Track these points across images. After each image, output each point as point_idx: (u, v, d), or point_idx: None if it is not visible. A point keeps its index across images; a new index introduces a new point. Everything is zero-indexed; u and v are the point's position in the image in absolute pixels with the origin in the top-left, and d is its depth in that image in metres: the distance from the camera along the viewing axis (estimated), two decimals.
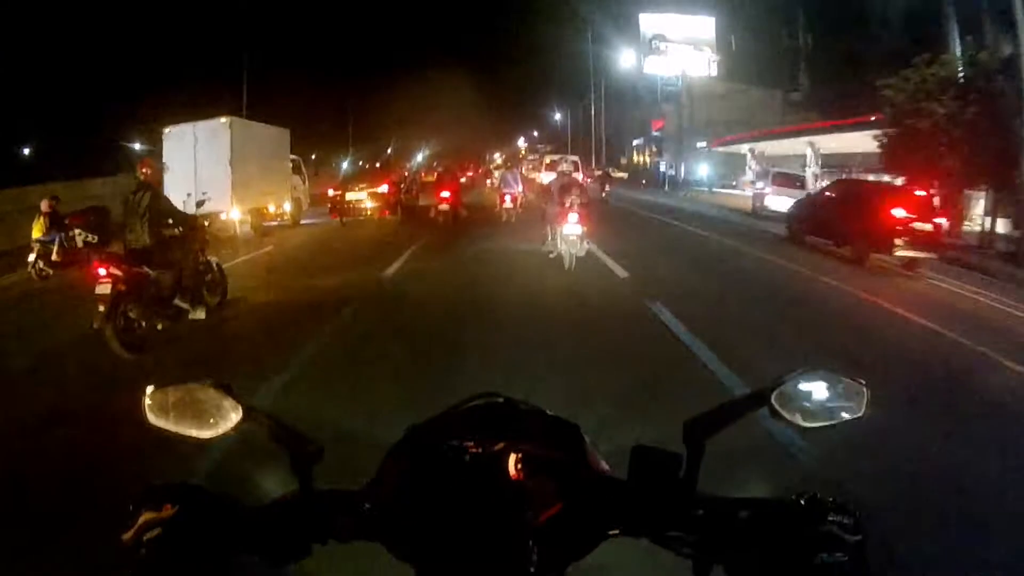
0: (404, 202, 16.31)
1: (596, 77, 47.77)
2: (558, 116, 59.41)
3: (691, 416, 0.67)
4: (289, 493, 0.71)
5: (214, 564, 0.65)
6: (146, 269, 5.51)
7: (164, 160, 12.05)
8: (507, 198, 14.80)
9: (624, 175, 48.72)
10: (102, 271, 5.17)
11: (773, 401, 0.68)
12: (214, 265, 6.46)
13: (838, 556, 0.60)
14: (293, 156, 16.14)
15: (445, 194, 14.49)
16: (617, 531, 0.68)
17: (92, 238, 6.06)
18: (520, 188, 15.29)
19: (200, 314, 5.93)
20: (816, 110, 25.78)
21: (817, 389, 0.71)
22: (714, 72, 36.00)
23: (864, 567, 0.60)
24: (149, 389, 0.71)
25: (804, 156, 22.60)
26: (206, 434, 0.71)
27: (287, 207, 15.11)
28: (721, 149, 32.08)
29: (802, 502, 0.63)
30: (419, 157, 41.38)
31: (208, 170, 12.66)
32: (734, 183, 28.70)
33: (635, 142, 50.83)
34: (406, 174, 19.00)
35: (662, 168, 38.05)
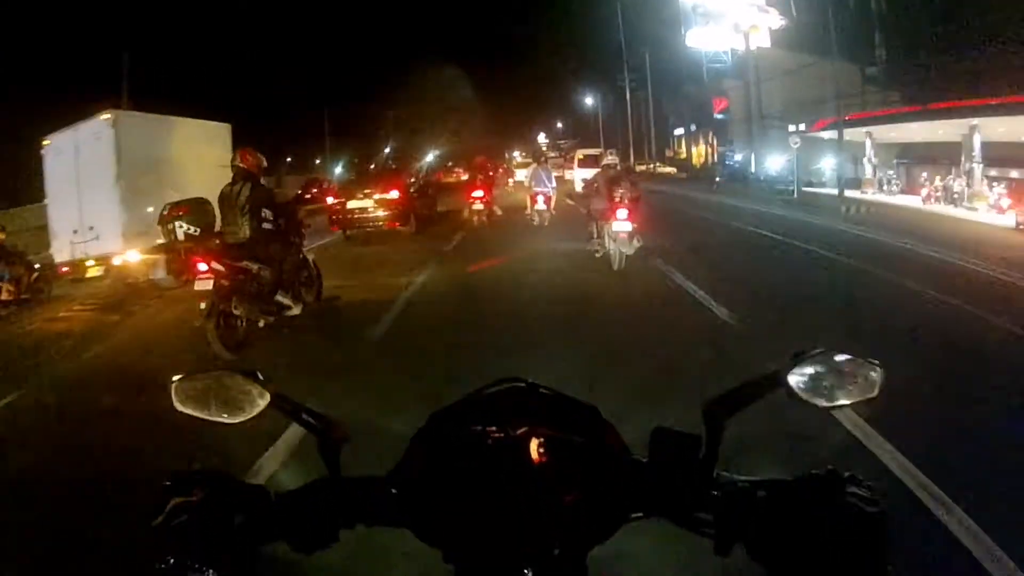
0: (418, 209, 15.95)
1: (630, 56, 47.18)
2: (589, 101, 59.81)
3: (710, 397, 0.78)
4: (316, 479, 0.81)
5: (242, 550, 0.74)
6: (247, 264, 6.00)
7: (46, 184, 10.53)
8: (539, 199, 14.92)
9: (671, 169, 48.33)
10: (202, 266, 5.65)
11: (790, 382, 0.79)
12: (310, 261, 7.14)
13: (857, 528, 0.69)
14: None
15: (478, 193, 15.99)
16: (639, 513, 0.78)
17: (194, 230, 6.55)
18: (554, 187, 15.26)
19: (297, 310, 6.53)
20: (896, 88, 25.53)
21: (833, 369, 0.81)
22: (766, 43, 35.25)
23: (883, 538, 0.69)
24: (175, 378, 0.83)
25: (950, 144, 19.03)
26: (233, 420, 0.82)
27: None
28: (791, 134, 31.11)
29: (819, 480, 0.73)
30: (429, 156, 41.87)
31: (91, 194, 10.02)
32: (823, 180, 25.78)
33: (678, 131, 50.48)
34: (416, 176, 18.49)
35: (732, 158, 35.29)
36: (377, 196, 14.72)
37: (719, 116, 39.51)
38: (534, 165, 16.40)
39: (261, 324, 6.20)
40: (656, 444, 0.81)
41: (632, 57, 47.39)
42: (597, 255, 9.59)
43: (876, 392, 0.82)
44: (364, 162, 40.57)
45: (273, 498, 0.80)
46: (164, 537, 0.73)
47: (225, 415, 0.84)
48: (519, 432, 0.80)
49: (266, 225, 6.26)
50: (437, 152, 48.92)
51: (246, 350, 5.84)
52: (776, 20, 35.15)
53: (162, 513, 0.74)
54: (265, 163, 6.62)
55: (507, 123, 73.07)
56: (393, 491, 0.80)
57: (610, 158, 10.10)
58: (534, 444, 0.79)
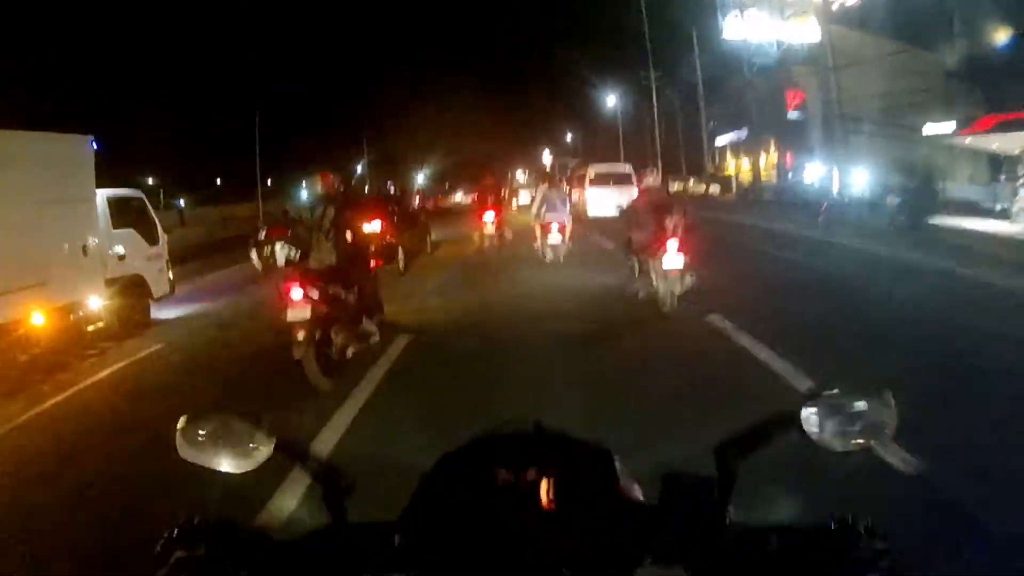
0: (407, 242, 15.65)
1: (658, 53, 46.25)
2: (607, 106, 58.87)
3: (722, 441, 0.89)
4: (321, 526, 0.92)
5: None
6: (337, 290, 6.62)
7: None
8: (552, 228, 14.47)
9: (711, 189, 47.18)
10: (297, 294, 6.12)
11: (804, 424, 0.91)
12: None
13: None
14: (126, 191, 11.20)
15: (490, 216, 16.80)
16: (650, 559, 0.84)
17: (294, 254, 7.03)
18: (568, 213, 14.87)
19: (377, 337, 7.18)
20: (977, 82, 24.93)
21: (847, 411, 0.91)
22: (816, 36, 34.75)
23: None
24: (181, 420, 0.95)
25: None
26: (238, 468, 0.94)
27: (93, 303, 9.43)
28: (862, 139, 29.17)
29: (833, 527, 0.82)
30: (419, 178, 42.10)
31: None
32: (945, 203, 21.91)
33: (721, 141, 49.06)
34: (403, 202, 18.29)
35: (799, 175, 32.70)
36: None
37: (793, 115, 36.17)
38: (544, 187, 15.96)
39: (350, 353, 6.74)
40: (668, 488, 0.91)
41: (660, 53, 46.65)
42: (640, 296, 9.49)
43: (891, 433, 0.93)
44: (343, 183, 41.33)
45: (277, 546, 0.88)
46: None
47: (230, 463, 0.94)
48: (528, 476, 0.90)
49: (349, 250, 6.99)
50: (427, 172, 49.42)
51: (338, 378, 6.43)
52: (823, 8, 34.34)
53: (165, 566, 0.82)
54: (341, 187, 7.40)
55: (509, 138, 73.69)
56: (400, 538, 0.87)
57: (651, 179, 9.86)
58: (544, 487, 0.88)
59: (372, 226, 13.93)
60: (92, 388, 7.49)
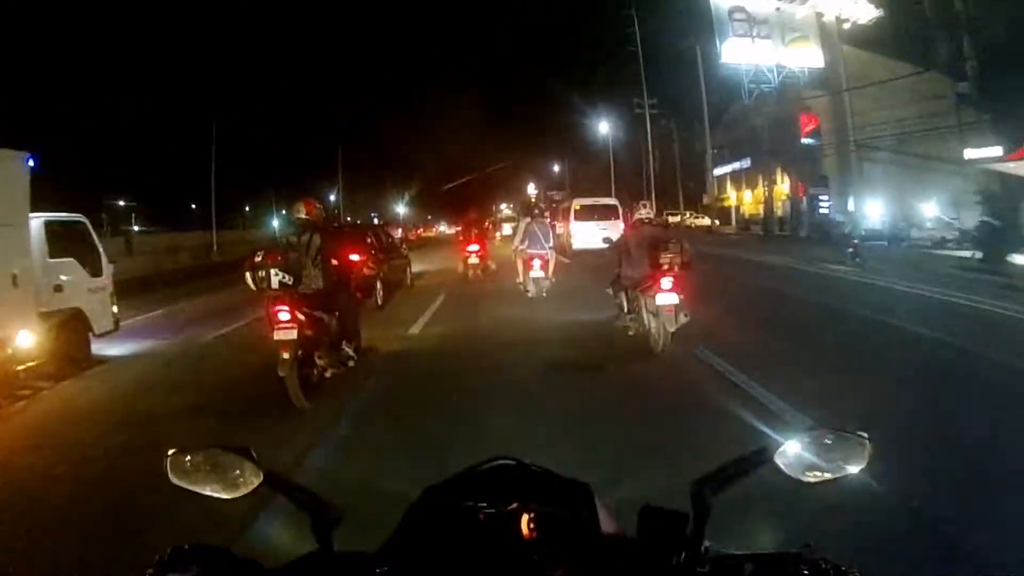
0: (386, 275, 15.53)
1: (652, 80, 46.22)
2: (596, 135, 58.83)
3: (698, 476, 0.96)
4: (308, 553, 0.97)
5: None
6: (321, 314, 7.24)
7: None
8: (535, 264, 14.61)
9: (707, 222, 47.07)
10: (284, 315, 6.74)
11: (776, 459, 0.98)
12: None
13: None
14: (66, 216, 10.56)
15: (474, 247, 18.87)
16: None
17: (288, 279, 7.27)
18: (552, 247, 15.03)
19: (353, 361, 7.93)
20: (989, 107, 24.87)
21: (820, 445, 1.00)
22: (819, 62, 35.40)
23: None
24: (170, 452, 1.03)
25: None
26: (227, 496, 1.02)
27: (24, 339, 8.81)
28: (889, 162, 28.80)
29: (804, 560, 0.89)
30: (399, 209, 42.20)
31: None
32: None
33: (719, 171, 49.04)
34: (383, 233, 18.38)
35: (818, 205, 32.13)
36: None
37: (807, 141, 35.91)
38: (526, 220, 16.00)
39: (329, 374, 7.49)
40: (645, 521, 0.99)
41: (655, 79, 46.56)
42: (630, 333, 9.44)
43: (864, 465, 1.01)
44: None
45: (266, 573, 0.93)
46: None
47: (218, 491, 1.02)
48: (509, 509, 0.98)
49: (333, 276, 7.64)
50: (411, 203, 49.78)
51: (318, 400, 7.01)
52: (867, 10, 33.46)
53: None
54: (324, 213, 8.12)
55: (494, 171, 73.64)
56: (384, 568, 0.92)
57: (644, 211, 9.77)
58: (524, 520, 0.96)
59: (350, 258, 13.81)
60: (20, 432, 7.00)
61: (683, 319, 8.54)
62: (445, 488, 1.07)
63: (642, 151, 48.85)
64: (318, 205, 7.92)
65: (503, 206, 65.85)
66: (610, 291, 10.19)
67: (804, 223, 33.04)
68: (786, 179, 40.27)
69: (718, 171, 48.79)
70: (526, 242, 14.84)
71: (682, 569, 0.91)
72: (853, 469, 1.01)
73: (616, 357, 8.70)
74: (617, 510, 1.16)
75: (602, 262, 20.55)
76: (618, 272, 9.85)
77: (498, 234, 33.42)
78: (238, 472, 1.02)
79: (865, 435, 1.01)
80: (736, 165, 47.01)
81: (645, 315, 8.94)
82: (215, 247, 37.59)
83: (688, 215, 51.33)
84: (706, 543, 0.94)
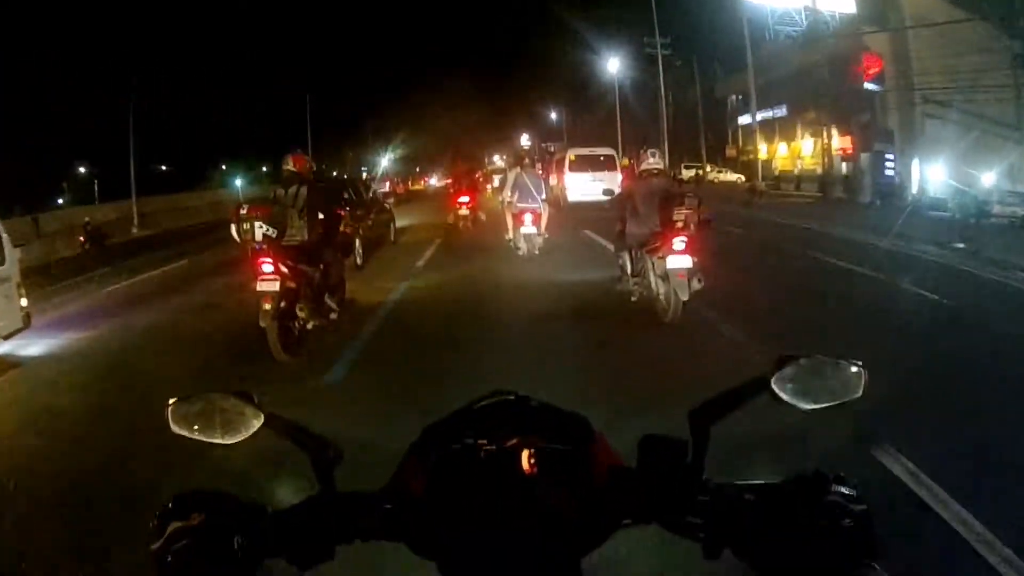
0: (366, 233, 14.84)
1: (664, 20, 42.17)
2: (602, 78, 54.39)
3: (696, 404, 0.97)
4: (311, 496, 0.99)
5: (242, 570, 0.91)
6: (305, 267, 7.51)
7: None
8: (526, 219, 13.58)
9: (735, 177, 43.83)
10: (267, 267, 6.98)
11: (774, 385, 0.96)
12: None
13: (843, 526, 0.85)
14: None
15: (464, 199, 19.59)
16: (630, 520, 0.95)
17: (272, 231, 7.45)
18: (544, 199, 13.97)
19: (336, 314, 8.21)
20: None
21: (817, 372, 0.99)
22: (851, 6, 32.03)
23: (870, 534, 0.85)
24: (171, 401, 1.03)
25: None
26: (229, 440, 1.02)
27: None
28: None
29: (806, 480, 0.90)
30: (383, 162, 40.94)
31: None
32: None
33: (744, 119, 43.99)
34: (361, 188, 17.53)
35: (884, 167, 27.64)
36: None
37: (871, 87, 30.91)
38: (515, 171, 14.87)
39: (310, 326, 7.70)
40: (645, 451, 0.98)
41: (666, 19, 42.24)
42: (633, 299, 8.70)
43: (860, 393, 1.00)
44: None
45: (270, 516, 0.96)
46: (164, 562, 0.88)
47: (220, 435, 1.02)
48: (510, 444, 0.98)
49: (319, 229, 8.02)
50: (392, 157, 48.48)
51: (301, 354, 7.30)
52: None
53: (161, 537, 0.90)
54: (314, 167, 8.36)
55: (487, 120, 71.33)
56: (387, 506, 0.96)
57: (652, 160, 8.71)
58: (525, 455, 0.96)
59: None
60: None
61: (696, 285, 7.73)
62: (444, 425, 1.06)
63: (652, 98, 45.29)
64: (307, 158, 8.33)
65: (495, 158, 64.11)
66: (614, 248, 9.44)
67: (866, 187, 28.27)
68: (836, 133, 36.30)
69: (744, 120, 44.12)
70: (516, 194, 13.85)
71: (682, 498, 0.94)
72: (850, 396, 1.01)
73: (619, 327, 7.96)
74: (619, 444, 1.09)
75: (600, 215, 19.39)
76: (620, 229, 9.04)
77: (489, 187, 32.30)
78: (238, 416, 1.02)
79: (860, 362, 1.01)
80: (768, 113, 40.71)
81: (652, 279, 8.17)
82: (136, 220, 32.33)
83: (710, 169, 47.40)
84: (706, 475, 0.97)
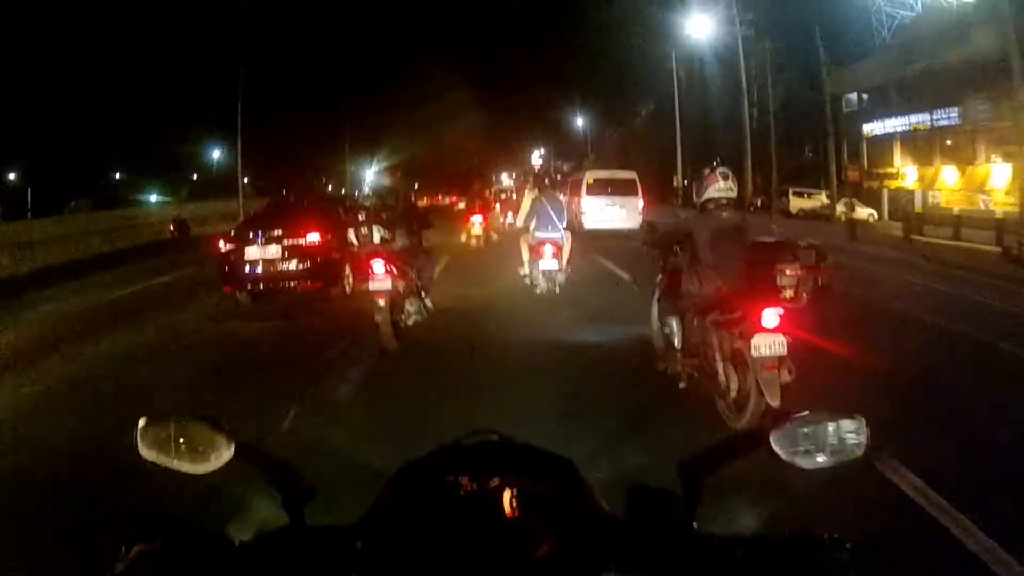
0: (355, 258, 13.37)
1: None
2: (642, 78, 48.55)
3: (688, 455, 0.95)
4: (280, 528, 0.97)
5: None
6: (409, 268, 8.78)
7: None
8: (546, 251, 11.58)
9: (868, 213, 31.50)
10: (380, 268, 8.11)
11: (772, 442, 0.96)
12: None
13: None
14: None
15: (477, 218, 21.05)
16: (613, 568, 0.90)
17: (387, 235, 8.95)
18: (564, 229, 12.08)
19: (428, 311, 9.29)
20: None
21: (816, 430, 0.98)
22: None
23: None
24: (141, 422, 1.01)
25: None
26: (198, 469, 1.00)
27: None
28: None
29: (798, 539, 0.89)
30: (367, 177, 39.88)
31: None
32: None
33: (872, 126, 33.32)
34: (353, 208, 16.25)
35: None
36: (288, 241, 12.31)
37: None
38: (534, 195, 13.22)
39: (411, 322, 8.84)
40: (632, 499, 0.98)
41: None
42: (681, 385, 6.21)
43: (861, 453, 1.00)
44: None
45: (235, 548, 0.93)
46: None
47: (188, 464, 1.00)
48: (491, 484, 0.96)
49: (416, 238, 9.47)
50: (380, 168, 47.30)
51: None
52: None
53: (124, 559, 0.88)
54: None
55: (490, 134, 68.11)
56: (360, 542, 0.93)
57: (722, 185, 6.01)
58: (507, 496, 0.93)
59: (308, 238, 12.33)
60: None
61: (786, 377, 5.36)
62: (424, 462, 1.04)
63: (702, 101, 37.87)
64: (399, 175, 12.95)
65: (503, 176, 62.13)
66: (653, 310, 7.22)
67: None
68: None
69: (871, 128, 33.05)
70: (533, 221, 12.02)
71: (671, 550, 0.91)
72: (851, 456, 0.99)
73: (670, 433, 5.23)
74: (604, 490, 1.05)
75: (622, 246, 17.77)
76: (667, 283, 6.82)
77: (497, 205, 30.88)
78: (209, 444, 1.00)
79: (862, 418, 0.99)
80: (913, 119, 29.77)
81: (719, 363, 5.74)
82: None
83: (827, 195, 34.67)
84: (695, 524, 0.94)
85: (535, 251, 11.71)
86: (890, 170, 32.14)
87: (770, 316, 5.23)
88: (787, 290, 5.54)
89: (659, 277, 7.09)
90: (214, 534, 0.93)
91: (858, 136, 34.23)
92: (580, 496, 0.99)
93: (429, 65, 56.03)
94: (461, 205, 34.97)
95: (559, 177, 36.42)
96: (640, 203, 23.63)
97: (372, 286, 8.03)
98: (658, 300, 7.07)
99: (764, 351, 5.21)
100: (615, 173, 26.74)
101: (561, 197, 14.31)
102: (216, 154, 53.99)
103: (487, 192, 31.12)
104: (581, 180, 25.16)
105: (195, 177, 56.40)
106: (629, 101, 55.41)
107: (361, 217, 9.60)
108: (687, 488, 0.94)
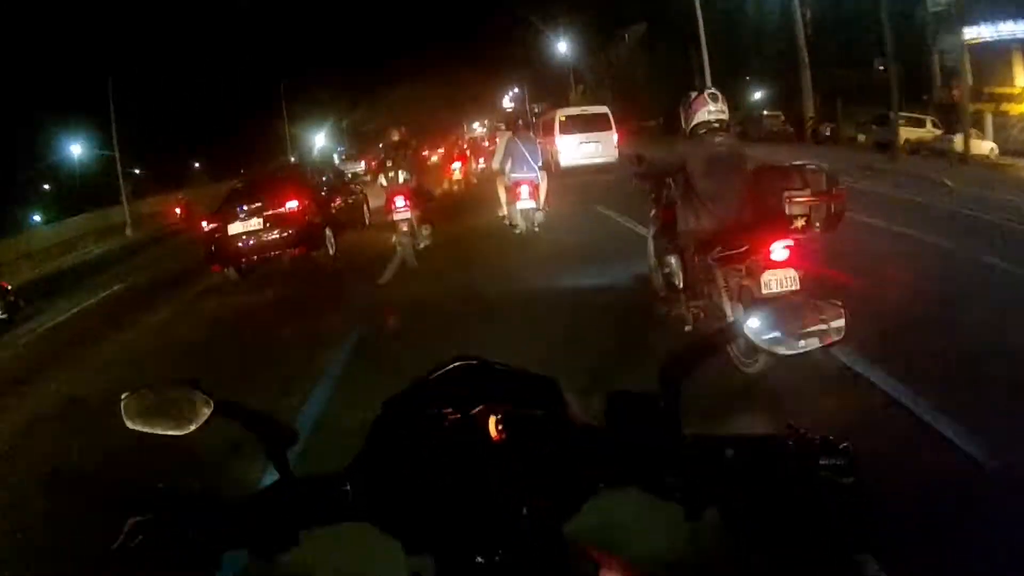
0: (338, 219, 14.35)
1: None
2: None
3: (665, 358, 0.93)
4: (272, 483, 0.97)
5: (204, 564, 0.91)
6: (421, 202, 11.25)
7: None
8: (522, 191, 11.71)
9: (988, 147, 24.44)
10: (401, 202, 10.46)
11: (747, 331, 0.95)
12: None
13: (832, 501, 0.83)
14: None
15: (456, 165, 23.46)
16: (604, 484, 0.92)
17: (409, 177, 10.98)
18: (541, 168, 12.10)
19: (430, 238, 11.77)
20: None
21: (793, 314, 0.96)
22: None
23: (858, 506, 0.83)
24: (124, 396, 1.02)
25: None
26: (181, 431, 1.00)
27: None
28: None
29: (791, 442, 0.87)
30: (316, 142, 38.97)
31: None
32: None
33: (973, 31, 25.18)
34: (331, 172, 16.94)
35: None
36: (268, 211, 12.59)
37: None
38: (507, 136, 13.02)
39: (422, 246, 11.14)
40: (612, 409, 0.96)
41: None
42: (687, 328, 5.84)
43: (840, 337, 0.97)
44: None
45: (229, 507, 0.96)
46: (123, 559, 0.88)
47: (173, 428, 1.01)
48: (475, 411, 0.93)
49: (420, 178, 11.81)
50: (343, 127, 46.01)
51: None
52: None
53: (119, 535, 0.89)
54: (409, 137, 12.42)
55: (459, 77, 65.99)
56: (349, 486, 0.94)
57: (714, 108, 5.59)
58: (492, 421, 0.91)
59: (288, 206, 12.65)
60: None
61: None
62: (405, 397, 1.02)
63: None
64: (403, 129, 11.61)
65: (474, 125, 61.03)
66: (650, 248, 6.79)
67: None
68: None
69: (979, 32, 25.00)
70: (508, 163, 11.96)
71: (658, 454, 0.91)
72: (831, 340, 0.96)
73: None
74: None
75: (597, 180, 17.81)
76: (662, 219, 6.35)
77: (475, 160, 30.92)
78: (188, 405, 1.01)
79: (839, 302, 0.97)
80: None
81: (727, 303, 5.42)
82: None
83: (932, 122, 26.99)
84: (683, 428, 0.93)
85: (512, 192, 11.84)
86: (1009, 90, 24.65)
87: (780, 249, 4.86)
88: (798, 220, 5.01)
89: (653, 212, 6.66)
90: (204, 497, 0.96)
91: (952, 46, 25.69)
92: (565, 414, 0.97)
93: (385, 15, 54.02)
94: (434, 158, 34.83)
95: (533, 120, 35.99)
96: (615, 137, 23.82)
97: (396, 216, 10.42)
98: (654, 237, 6.65)
99: (775, 287, 4.86)
100: (586, 109, 26.84)
101: (535, 137, 14.34)
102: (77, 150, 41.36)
103: (461, 142, 32.60)
104: (553, 119, 25.09)
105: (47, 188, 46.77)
106: (620, 20, 48.98)
107: (389, 163, 11.09)
108: (668, 391, 0.92)
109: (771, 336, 0.92)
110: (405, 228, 10.46)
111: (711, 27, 28.69)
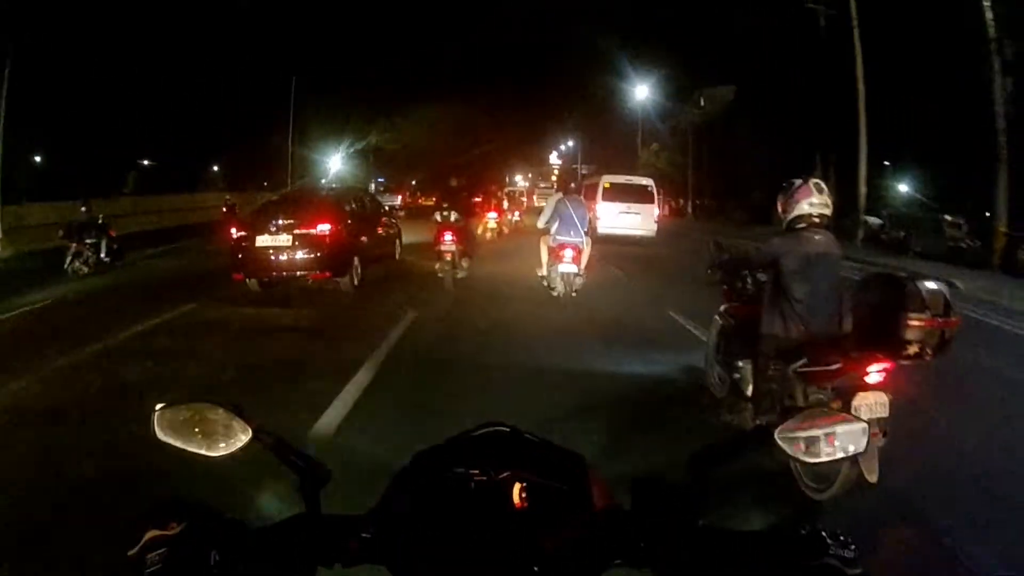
0: (364, 250, 14.05)
1: None
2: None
3: (696, 449, 0.97)
4: (295, 515, 0.99)
5: None
6: (464, 238, 13.48)
7: None
8: (566, 254, 11.28)
9: None
10: (449, 238, 12.61)
11: (777, 437, 0.98)
12: None
13: None
14: None
15: (492, 215, 23.95)
16: (619, 561, 0.93)
17: (458, 217, 13.25)
18: (585, 233, 11.72)
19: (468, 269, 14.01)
20: None
21: (820, 427, 1.00)
22: None
23: None
24: (158, 407, 1.02)
25: None
26: (214, 453, 1.01)
27: None
28: None
29: (803, 534, 0.90)
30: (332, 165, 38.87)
31: None
32: None
33: None
34: (363, 200, 16.56)
35: None
36: (298, 230, 12.43)
37: None
38: (558, 196, 12.77)
39: (460, 276, 13.10)
40: (638, 493, 0.98)
41: None
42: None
43: (863, 448, 1.01)
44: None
45: (251, 532, 0.95)
46: (138, 569, 0.87)
47: (205, 448, 1.02)
48: (501, 476, 0.96)
49: (467, 218, 14.60)
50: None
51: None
52: None
53: (138, 543, 0.89)
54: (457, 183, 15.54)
55: (507, 138, 64.35)
56: (372, 530, 0.95)
57: (817, 200, 4.98)
58: (516, 489, 0.94)
59: (318, 229, 12.50)
60: None
61: (880, 442, 4.39)
62: (436, 453, 1.03)
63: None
64: (463, 179, 14.95)
65: (516, 178, 60.91)
66: (709, 346, 6.29)
67: None
68: None
69: None
70: (556, 224, 11.63)
71: (677, 543, 0.93)
72: (852, 451, 1.01)
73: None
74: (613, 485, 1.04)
75: (636, 253, 17.50)
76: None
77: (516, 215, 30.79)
78: (225, 428, 1.01)
79: (864, 419, 1.07)
80: None
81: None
82: None
83: None
84: (701, 521, 0.95)
85: (555, 253, 11.45)
86: None
87: (876, 372, 4.37)
88: (913, 346, 4.31)
89: (723, 307, 6.17)
90: (229, 519, 0.94)
91: None
92: (588, 490, 0.99)
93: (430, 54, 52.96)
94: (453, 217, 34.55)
95: (581, 180, 35.74)
96: (656, 211, 24.07)
97: (443, 247, 12.56)
98: (720, 335, 6.11)
99: (864, 414, 4.19)
100: (632, 179, 26.79)
101: (584, 200, 14.03)
102: None
103: (500, 193, 33.34)
104: (597, 185, 25.27)
105: None
106: (701, 82, 45.34)
107: (445, 204, 13.44)
108: (695, 482, 0.96)
109: (798, 445, 0.97)
110: (448, 258, 12.60)
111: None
